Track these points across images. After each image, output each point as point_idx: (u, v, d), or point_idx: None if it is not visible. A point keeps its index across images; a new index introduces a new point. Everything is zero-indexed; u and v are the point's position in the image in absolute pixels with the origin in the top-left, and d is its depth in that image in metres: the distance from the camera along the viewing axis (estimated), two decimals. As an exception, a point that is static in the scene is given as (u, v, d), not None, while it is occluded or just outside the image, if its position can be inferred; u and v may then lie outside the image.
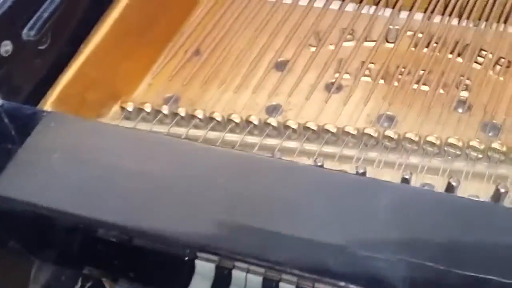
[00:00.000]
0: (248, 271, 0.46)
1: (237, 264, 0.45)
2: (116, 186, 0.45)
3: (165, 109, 0.60)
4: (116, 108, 0.62)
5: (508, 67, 0.62)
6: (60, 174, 0.45)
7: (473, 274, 0.36)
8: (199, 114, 0.59)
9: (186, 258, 0.47)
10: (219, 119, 0.59)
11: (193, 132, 0.59)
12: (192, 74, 0.64)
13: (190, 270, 0.48)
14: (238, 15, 0.69)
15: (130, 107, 0.61)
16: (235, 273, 0.46)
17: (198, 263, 0.47)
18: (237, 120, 0.59)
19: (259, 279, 0.45)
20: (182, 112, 0.60)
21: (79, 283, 0.65)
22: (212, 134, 0.59)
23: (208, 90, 0.64)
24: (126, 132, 0.51)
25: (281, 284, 0.44)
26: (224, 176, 0.44)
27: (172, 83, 0.64)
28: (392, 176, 0.54)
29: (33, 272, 0.60)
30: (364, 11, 0.69)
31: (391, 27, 0.67)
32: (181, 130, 0.59)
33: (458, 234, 0.39)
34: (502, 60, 0.63)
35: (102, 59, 0.60)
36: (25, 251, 0.55)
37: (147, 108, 0.60)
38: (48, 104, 0.55)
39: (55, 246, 0.54)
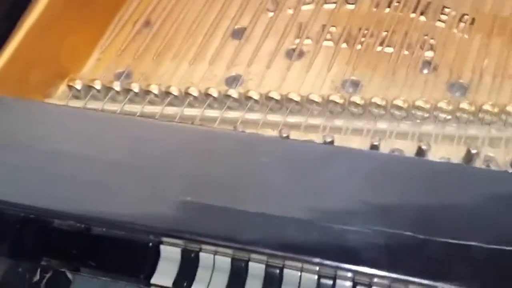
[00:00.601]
0: (216, 252, 0.43)
1: (204, 246, 0.42)
2: (66, 172, 0.41)
3: (117, 86, 0.56)
4: (63, 87, 0.58)
5: (472, 24, 0.60)
6: (3, 163, 0.41)
7: (452, 241, 0.34)
8: (154, 89, 0.56)
9: (150, 244, 0.44)
10: (176, 93, 0.55)
11: (149, 108, 0.55)
12: (144, 47, 0.60)
13: (155, 255, 0.45)
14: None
15: (78, 85, 0.56)
16: (203, 255, 0.44)
17: (163, 248, 0.44)
18: (195, 93, 0.55)
19: (228, 259, 0.43)
20: (135, 88, 0.56)
21: (38, 275, 0.62)
22: (170, 110, 0.55)
23: (161, 63, 0.60)
24: (74, 112, 0.47)
25: (250, 263, 0.42)
26: (183, 153, 0.41)
27: (123, 57, 0.60)
28: (360, 143, 0.52)
29: (-15, 268, 0.56)
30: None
31: (350, -13, 0.64)
32: (136, 108, 0.55)
33: (433, 200, 0.37)
34: (466, 17, 0.61)
35: (43, 35, 0.55)
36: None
37: (97, 85, 0.56)
38: (-15, 87, 0.51)
39: (6, 239, 0.50)
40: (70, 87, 0.57)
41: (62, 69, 0.58)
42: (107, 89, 0.56)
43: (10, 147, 0.43)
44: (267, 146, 0.42)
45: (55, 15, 0.56)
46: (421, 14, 0.62)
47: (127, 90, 0.56)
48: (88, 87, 0.56)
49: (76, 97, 0.57)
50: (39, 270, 0.61)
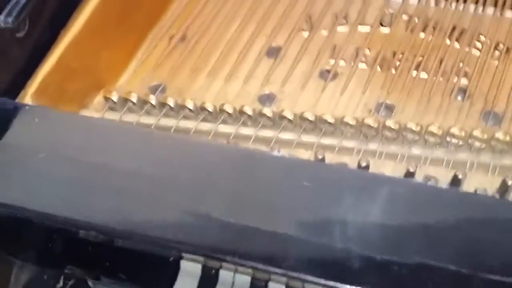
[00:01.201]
0: (236, 270, 0.43)
1: (225, 264, 0.42)
2: (106, 186, 0.42)
3: (153, 99, 0.56)
4: (99, 98, 0.59)
5: (507, 53, 0.60)
6: (47, 175, 0.41)
7: (498, 278, 0.34)
8: (189, 104, 0.56)
9: (171, 258, 0.44)
10: (210, 109, 0.56)
11: (183, 123, 0.56)
12: (179, 62, 0.61)
13: (175, 269, 0.45)
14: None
15: (114, 97, 0.57)
16: (223, 272, 0.44)
17: (184, 263, 0.44)
18: (230, 110, 0.56)
19: (248, 278, 0.43)
20: (171, 102, 0.56)
21: (61, 282, 0.62)
22: (204, 126, 0.56)
23: (196, 79, 0.60)
24: (115, 127, 0.48)
25: (270, 283, 0.42)
26: (217, 173, 0.41)
27: (158, 71, 0.61)
28: (394, 168, 0.52)
29: (13, 274, 0.56)
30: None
31: (385, 11, 0.64)
32: (170, 122, 0.56)
33: (474, 234, 0.37)
34: (501, 45, 0.61)
35: (83, 47, 0.56)
36: (4, 254, 0.51)
37: (133, 98, 0.57)
38: (28, 96, 0.51)
39: (37, 247, 0.50)
40: (106, 98, 0.57)
41: (99, 80, 0.59)
42: (143, 102, 0.57)
43: (52, 160, 0.43)
44: (309, 171, 0.42)
45: (94, 28, 0.57)
46: (456, 40, 0.62)
47: (163, 104, 0.56)
48: (124, 100, 0.57)
49: (112, 109, 0.57)
50: (62, 277, 0.62)
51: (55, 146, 0.42)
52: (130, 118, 0.56)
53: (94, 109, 0.58)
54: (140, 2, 0.62)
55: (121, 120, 0.56)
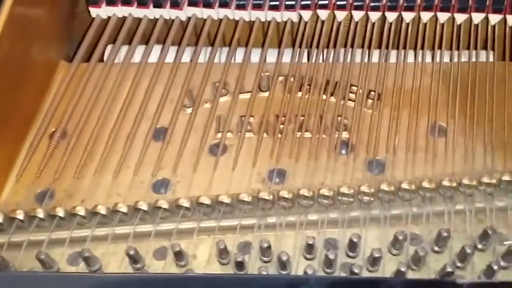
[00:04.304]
0: None
1: None
2: None
3: (40, 213, 0.54)
4: (-17, 220, 0.55)
5: (378, 99, 0.64)
6: None
7: None
8: (80, 211, 0.54)
9: None
10: (103, 212, 0.54)
11: (78, 232, 0.54)
12: (63, 162, 0.59)
13: None
14: (102, 84, 0.64)
15: (-1, 218, 0.54)
16: None
17: None
18: (124, 209, 0.54)
19: None
20: (60, 212, 0.54)
21: None
22: (100, 231, 0.54)
23: (84, 176, 0.58)
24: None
25: None
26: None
27: (42, 176, 0.58)
28: (296, 238, 0.54)
29: None
30: (232, 60, 0.67)
31: (262, 74, 0.66)
32: (63, 234, 0.54)
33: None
34: (372, 93, 0.65)
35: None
36: None
37: (19, 215, 0.54)
38: None
39: None
40: (-9, 220, 0.54)
41: (-21, 201, 0.56)
42: (31, 217, 0.54)
43: None
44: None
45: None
46: (331, 94, 0.65)
47: (52, 216, 0.54)
48: (11, 219, 0.54)
49: (0, 230, 0.54)
50: None
51: None
52: (20, 237, 0.53)
53: (-21, 234, 0.54)
54: (9, 109, 0.59)
55: (11, 242, 0.53)
